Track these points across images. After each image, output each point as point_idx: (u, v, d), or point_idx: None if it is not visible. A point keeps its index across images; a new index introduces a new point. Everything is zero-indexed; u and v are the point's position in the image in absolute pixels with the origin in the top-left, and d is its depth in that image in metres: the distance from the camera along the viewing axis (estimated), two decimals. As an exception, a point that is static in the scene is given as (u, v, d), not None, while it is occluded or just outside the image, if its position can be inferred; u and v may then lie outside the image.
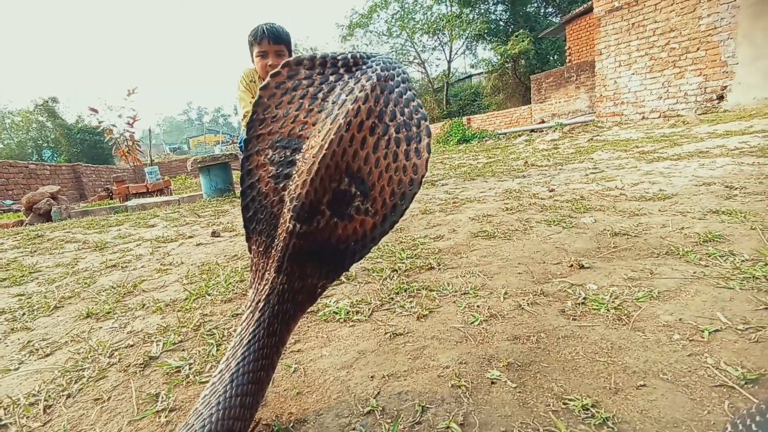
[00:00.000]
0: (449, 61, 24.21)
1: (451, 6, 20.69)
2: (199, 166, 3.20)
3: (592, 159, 2.95)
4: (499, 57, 17.66)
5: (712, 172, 1.63)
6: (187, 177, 15.04)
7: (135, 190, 6.29)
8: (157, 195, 6.15)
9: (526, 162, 3.19)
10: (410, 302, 0.66)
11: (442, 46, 23.84)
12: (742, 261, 0.71)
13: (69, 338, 0.68)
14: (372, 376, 0.44)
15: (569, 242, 0.92)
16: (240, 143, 2.80)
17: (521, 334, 0.53)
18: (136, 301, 0.83)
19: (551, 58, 18.23)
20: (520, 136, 11.36)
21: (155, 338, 0.62)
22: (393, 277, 0.80)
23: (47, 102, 24.11)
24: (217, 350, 0.55)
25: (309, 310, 0.66)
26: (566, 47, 14.83)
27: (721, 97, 6.61)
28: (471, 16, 20.11)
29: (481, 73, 24.46)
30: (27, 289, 1.07)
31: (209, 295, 0.81)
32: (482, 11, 19.80)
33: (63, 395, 0.49)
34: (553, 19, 20.13)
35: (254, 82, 2.95)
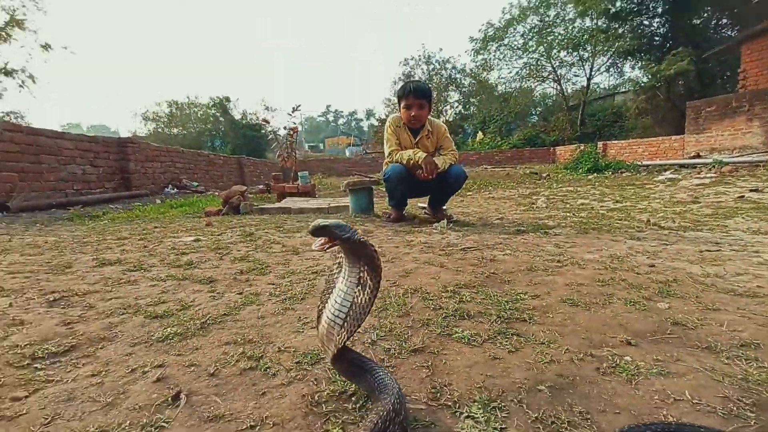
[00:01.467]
0: (589, 79, 22.58)
1: (597, 20, 19.28)
2: (350, 188, 4.03)
3: (725, 227, 2.91)
4: (649, 77, 15.96)
5: (830, 275, 1.69)
6: (323, 176, 17.03)
7: (289, 189, 7.66)
8: (305, 196, 7.39)
9: (648, 220, 3.24)
10: (505, 341, 1.14)
11: (582, 62, 22.38)
12: (756, 366, 1.01)
13: (321, 320, 1.33)
14: (481, 373, 0.95)
15: (632, 323, 1.28)
16: (385, 175, 3.50)
17: (566, 373, 0.97)
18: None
19: (718, 80, 15.73)
20: (665, 171, 10.35)
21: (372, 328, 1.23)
22: (497, 322, 1.29)
23: (222, 100, 29.32)
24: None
25: (447, 333, 1.19)
26: (740, 70, 12.78)
27: None
28: (620, 31, 18.43)
29: (627, 91, 22.21)
30: (272, 281, 1.82)
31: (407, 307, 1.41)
32: (634, 25, 17.99)
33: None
34: (727, 33, 17.26)
35: (399, 127, 3.65)
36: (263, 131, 27.35)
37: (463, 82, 27.14)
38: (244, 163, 15.20)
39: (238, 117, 29.32)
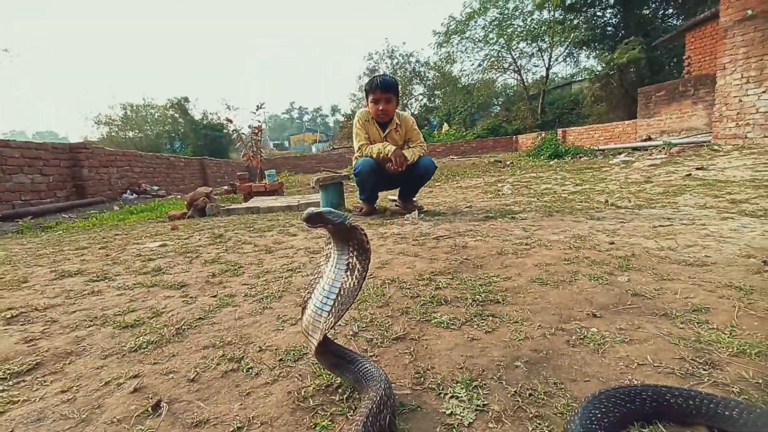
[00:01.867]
0: (548, 68, 23.31)
1: (554, 12, 19.92)
2: (321, 184, 4.00)
3: (675, 204, 3.11)
4: (603, 66, 16.67)
5: (766, 242, 1.85)
6: (289, 174, 16.74)
7: (256, 189, 7.49)
8: (273, 195, 7.26)
9: (606, 201, 3.42)
10: (482, 323, 1.19)
11: (540, 53, 23.06)
12: (707, 329, 1.10)
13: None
14: (461, 354, 0.99)
15: (597, 296, 1.36)
16: (355, 170, 3.50)
17: (539, 348, 1.03)
18: (325, 300, 1.48)
19: (667, 67, 16.66)
20: (619, 154, 10.84)
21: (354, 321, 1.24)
22: (473, 305, 1.33)
23: (180, 101, 28.19)
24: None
25: (426, 319, 1.22)
26: (685, 57, 13.56)
27: None
28: (575, 22, 19.13)
29: (583, 80, 23.10)
30: (246, 281, 1.80)
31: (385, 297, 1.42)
32: (588, 16, 18.73)
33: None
34: (673, 22, 18.25)
35: (368, 122, 3.65)
36: (226, 131, 26.55)
37: (427, 75, 27.37)
38: (206, 164, 14.71)
39: (198, 117, 28.27)
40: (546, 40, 21.18)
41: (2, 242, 3.83)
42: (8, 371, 1.06)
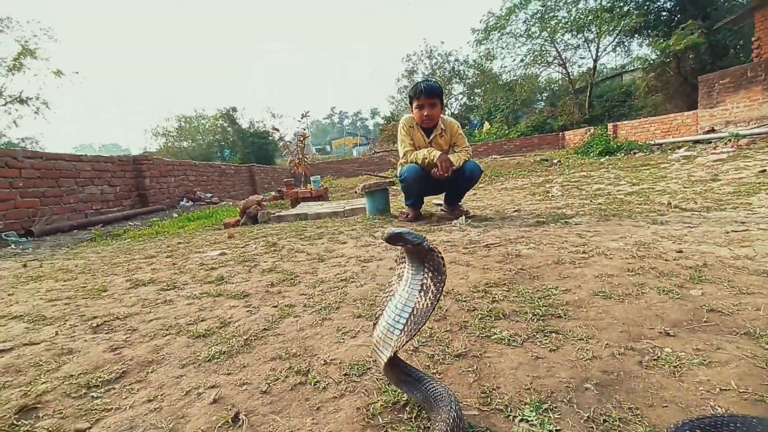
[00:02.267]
0: (595, 60, 22.23)
1: (601, 0, 18.90)
2: (367, 191, 4.07)
3: (749, 205, 2.87)
4: (658, 53, 15.63)
5: None
6: (332, 178, 17.11)
7: (302, 195, 7.73)
8: (318, 200, 7.46)
9: (669, 203, 3.21)
10: (545, 340, 1.16)
11: (587, 44, 22.04)
12: (799, 350, 1.01)
13: (359, 329, 1.37)
14: (527, 374, 0.98)
15: (668, 312, 1.29)
16: (401, 176, 3.53)
17: (610, 369, 0.99)
18: (381, 312, 1.51)
19: (731, 51, 15.32)
20: (679, 148, 10.17)
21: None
22: (533, 320, 1.30)
23: (229, 111, 29.63)
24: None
25: (486, 335, 1.21)
26: (754, 39, 12.44)
27: None
28: (625, 9, 18.06)
29: (635, 69, 21.78)
30: (303, 291, 1.87)
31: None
32: (640, 2, 17.62)
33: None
34: (738, 1, 16.78)
35: (412, 127, 3.67)
36: (271, 138, 27.58)
37: (466, 73, 26.94)
38: (255, 171, 15.37)
39: (245, 126, 29.62)
40: (593, 30, 20.17)
41: (79, 250, 4.22)
42: (100, 379, 1.17)
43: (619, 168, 7.39)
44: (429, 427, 0.80)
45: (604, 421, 0.80)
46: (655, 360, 1.02)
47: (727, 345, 1.07)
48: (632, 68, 21.88)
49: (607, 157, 10.32)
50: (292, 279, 2.07)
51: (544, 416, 0.82)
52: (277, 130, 8.07)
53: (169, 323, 1.58)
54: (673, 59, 14.72)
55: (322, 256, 2.56)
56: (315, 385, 1.02)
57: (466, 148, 3.69)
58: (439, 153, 3.41)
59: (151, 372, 1.19)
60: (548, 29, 21.19)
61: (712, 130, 10.98)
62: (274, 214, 5.17)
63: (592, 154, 10.99)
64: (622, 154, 10.24)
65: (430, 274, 0.84)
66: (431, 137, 3.63)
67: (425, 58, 27.44)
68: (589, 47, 21.52)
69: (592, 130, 13.23)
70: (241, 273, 2.28)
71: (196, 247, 3.35)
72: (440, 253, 0.83)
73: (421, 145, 3.63)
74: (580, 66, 23.37)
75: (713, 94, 11.28)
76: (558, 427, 0.78)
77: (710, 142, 9.43)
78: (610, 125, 14.78)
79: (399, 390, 0.93)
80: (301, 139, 7.97)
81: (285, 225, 4.45)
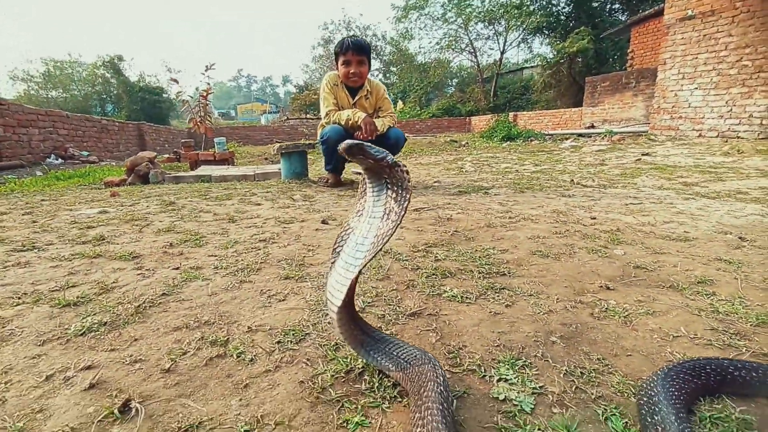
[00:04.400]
0: (502, 52, 23.72)
1: (513, -5, 20.10)
2: (282, 152, 3.71)
3: (635, 185, 3.22)
4: (555, 54, 17.22)
5: (735, 221, 1.93)
6: (238, 145, 15.84)
7: (203, 157, 6.93)
8: (223, 164, 6.76)
9: (572, 180, 3.49)
10: (497, 296, 1.09)
11: (496, 36, 23.36)
12: (718, 300, 1.08)
13: (288, 291, 1.15)
14: (491, 330, 0.88)
15: (602, 269, 1.31)
16: (322, 137, 3.27)
17: (567, 322, 0.94)
18: (314, 271, 1.31)
19: (611, 59, 17.56)
20: (566, 139, 11.29)
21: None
22: (480, 278, 1.23)
23: (113, 59, 25.46)
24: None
25: (437, 293, 1.10)
26: (629, 50, 14.32)
27: (789, 124, 6.49)
28: (531, 8, 19.48)
29: (534, 66, 23.83)
30: (212, 252, 1.57)
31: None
32: (544, 3, 19.16)
33: (309, 328, 0.95)
34: (619, 17, 19.18)
35: (336, 85, 3.40)
36: (166, 95, 24.30)
37: (384, 49, 26.78)
38: (145, 130, 13.40)
39: (134, 79, 25.60)
40: (502, 23, 21.45)
41: None
42: None
43: (520, 152, 8.00)
44: (396, 398, 0.65)
45: (582, 374, 0.73)
46: (604, 312, 1.00)
47: (661, 297, 1.10)
48: (532, 65, 23.90)
49: (509, 142, 11.16)
50: (197, 239, 1.74)
51: (522, 373, 0.72)
52: (176, 81, 7.01)
53: (23, 290, 1.17)
54: (567, 60, 16.37)
55: (233, 216, 2.23)
56: (238, 357, 0.80)
57: (392, 114, 3.55)
58: (363, 115, 3.20)
59: (-10, 353, 0.84)
60: (463, 16, 21.95)
61: (592, 126, 12.54)
62: (170, 174, 4.49)
63: (495, 139, 11.79)
64: (522, 141, 11.16)
65: (393, 195, 0.67)
66: (356, 98, 3.40)
67: (343, 28, 26.57)
68: (497, 39, 22.89)
69: (497, 117, 14.17)
70: (128, 233, 1.86)
71: (66, 205, 2.70)
72: (405, 166, 0.66)
73: (345, 106, 3.38)
74: (489, 56, 24.80)
75: (596, 94, 12.83)
76: (540, 384, 0.69)
77: (590, 136, 10.75)
78: (511, 114, 16.00)
79: (353, 354, 0.76)
80: (204, 94, 7.04)
81: (184, 186, 3.87)
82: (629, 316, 0.98)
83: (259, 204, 2.62)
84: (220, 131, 18.87)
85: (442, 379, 0.58)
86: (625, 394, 0.68)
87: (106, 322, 0.94)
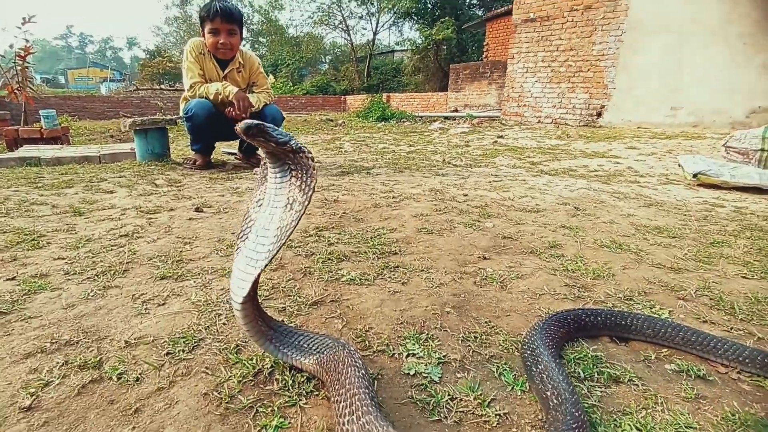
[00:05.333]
0: (375, 33, 24.17)
1: (383, -23, 20.51)
2: (136, 128, 3.18)
3: (495, 164, 3.68)
4: (423, 39, 18.25)
5: (570, 194, 2.37)
6: (71, 119, 13.12)
7: (26, 134, 5.59)
8: (55, 143, 5.55)
9: (444, 160, 3.81)
10: (393, 275, 1.14)
11: (369, 16, 23.66)
12: (566, 260, 1.32)
13: (168, 293, 1.02)
14: (393, 309, 0.92)
15: (478, 240, 1.48)
16: (187, 112, 2.92)
17: (456, 292, 1.04)
18: (196, 267, 1.17)
19: (470, 49, 19.41)
20: (434, 121, 12.19)
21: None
22: (374, 258, 1.27)
23: None
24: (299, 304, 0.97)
25: (335, 278, 1.10)
26: (485, 43, 15.94)
27: (599, 114, 8.11)
28: (401, -7, 20.13)
29: (405, 50, 24.92)
30: (58, 254, 1.29)
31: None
32: (413, -11, 19.97)
33: (194, 337, 0.87)
34: (477, 12, 21.15)
35: (203, 54, 3.06)
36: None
37: (252, 18, 24.78)
38: None
39: None
40: (375, 4, 21.77)
41: None
42: None
43: (395, 133, 8.40)
44: (312, 392, 0.64)
45: (475, 338, 0.82)
46: (484, 279, 1.14)
47: (525, 261, 1.30)
48: (403, 48, 24.98)
49: (384, 122, 11.60)
50: (34, 240, 1.40)
51: (427, 346, 0.78)
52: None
53: None
54: (433, 47, 17.55)
55: (78, 208, 1.85)
56: (119, 379, 0.68)
57: (268, 90, 3.32)
58: (236, 89, 2.91)
59: None
60: (335, -9, 21.58)
61: (456, 110, 13.83)
62: (-25, 156, 3.48)
63: (371, 119, 12.12)
64: (395, 122, 11.71)
65: (297, 183, 0.64)
66: (227, 71, 3.08)
67: (201, -13, 23.60)
68: (370, 20, 23.21)
69: (372, 98, 14.51)
70: None
71: None
72: (310, 152, 0.64)
73: (213, 78, 3.04)
74: (362, 35, 25.06)
75: (458, 81, 14.12)
76: (443, 353, 0.76)
77: (455, 119, 11.86)
78: (385, 95, 16.58)
79: (258, 353, 0.71)
80: (23, 54, 5.52)
81: (5, 171, 3.05)
82: (504, 281, 1.13)
83: (111, 192, 2.23)
84: (47, 101, 15.33)
85: (360, 362, 0.59)
86: (510, 350, 0.79)
87: None
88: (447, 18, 16.96)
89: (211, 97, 2.94)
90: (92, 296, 0.99)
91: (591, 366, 0.74)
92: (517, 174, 3.08)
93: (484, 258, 1.32)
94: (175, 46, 26.95)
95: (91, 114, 16.14)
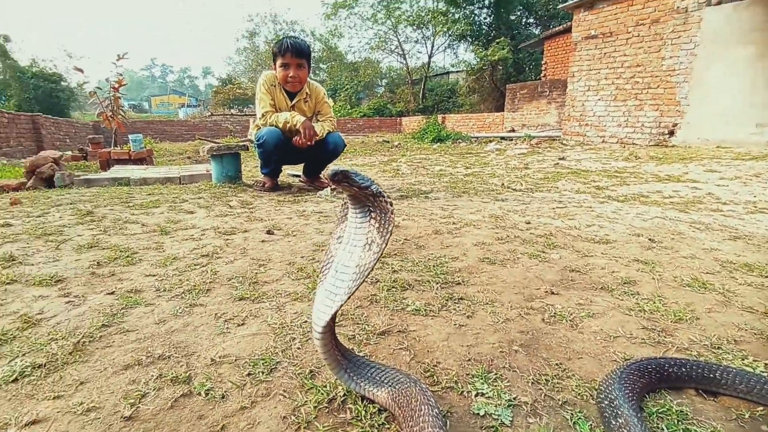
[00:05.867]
0: (430, 56, 24.56)
1: (438, 2, 20.96)
2: (213, 153, 3.49)
3: (557, 189, 3.55)
4: (478, 60, 18.23)
5: (643, 223, 2.22)
6: (153, 141, 14.56)
7: (117, 156, 6.31)
8: (141, 164, 6.20)
9: (503, 184, 3.74)
10: (458, 307, 1.14)
11: (424, 40, 24.15)
12: (642, 299, 1.24)
13: (246, 314, 1.10)
14: (460, 344, 0.92)
15: (544, 273, 1.44)
16: (258, 139, 3.15)
17: (524, 329, 1.02)
18: (270, 289, 1.25)
19: (527, 68, 19.06)
20: (490, 142, 12.01)
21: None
22: (438, 288, 1.27)
23: (-2, 39, 22.02)
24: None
25: (401, 307, 1.12)
26: (543, 62, 15.59)
27: (671, 133, 7.56)
28: (456, 16, 20.44)
29: (460, 71, 25.01)
30: (149, 271, 1.44)
31: (319, 290, 1.25)
32: (467, 13, 20.22)
33: (273, 358, 0.92)
34: (534, 30, 20.85)
35: (274, 86, 3.30)
36: (65, 84, 21.47)
37: (313, 46, 26.31)
38: (41, 122, 11.72)
39: (25, 63, 22.20)
40: (430, 28, 22.22)
41: None
42: None
43: (450, 154, 8.39)
44: (384, 424, 0.66)
45: (546, 381, 0.80)
46: (553, 316, 1.10)
47: (596, 298, 1.24)
48: (458, 69, 25.11)
49: (439, 143, 11.64)
50: (128, 256, 1.57)
51: (496, 386, 0.77)
52: (81, 70, 6.21)
53: None
54: (489, 67, 17.47)
55: (165, 228, 2.05)
56: (207, 395, 0.74)
57: (331, 119, 3.51)
58: (302, 119, 3.13)
59: None
60: (392, 18, 22.36)
61: (513, 130, 13.54)
62: (80, 176, 4.00)
63: (426, 140, 12.22)
64: (450, 143, 11.70)
65: (376, 225, 0.68)
66: (294, 101, 3.31)
67: (269, 21, 25.65)
68: (425, 43, 23.69)
69: (427, 119, 14.67)
70: (43, 250, 1.62)
71: (-53, 217, 2.28)
72: (389, 197, 0.67)
73: (283, 108, 3.28)
74: (417, 59, 25.58)
75: (515, 100, 13.87)
76: (513, 395, 0.74)
77: (512, 140, 11.61)
78: (440, 116, 16.68)
79: (330, 380, 0.75)
80: (116, 86, 6.34)
81: (99, 191, 3.47)
82: (574, 320, 1.08)
83: (192, 212, 2.44)
84: (134, 126, 17.22)
85: (433, 401, 0.60)
86: (584, 397, 0.76)
87: (41, 365, 0.82)
88: (502, 38, 16.86)
89: (281, 126, 3.16)
90: (180, 313, 1.09)
91: (675, 422, 0.69)
92: (582, 200, 2.94)
93: (552, 293, 1.27)
94: (244, 74, 29.22)
95: (171, 136, 17.88)
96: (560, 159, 6.11)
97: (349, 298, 0.65)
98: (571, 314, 1.11)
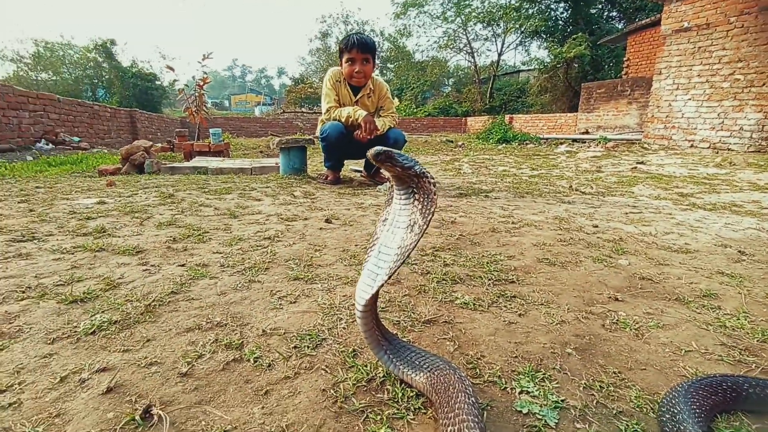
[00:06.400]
0: (499, 54, 23.80)
1: (511, -2, 20.19)
2: (282, 146, 3.68)
3: (633, 194, 3.26)
4: (552, 58, 17.31)
5: (733, 234, 1.97)
6: (231, 136, 15.67)
7: (198, 148, 6.86)
8: (218, 156, 6.69)
9: (571, 186, 3.52)
10: (509, 304, 1.09)
11: (494, 38, 23.44)
12: (723, 314, 1.10)
13: (299, 293, 1.15)
14: (508, 341, 0.88)
15: (609, 279, 1.33)
16: (322, 133, 3.25)
17: (580, 333, 0.95)
18: (323, 272, 1.30)
19: (606, 66, 17.71)
20: (561, 144, 11.37)
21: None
22: (490, 285, 1.23)
23: (106, 43, 25.02)
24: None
25: (449, 299, 1.10)
26: (625, 58, 14.46)
27: (776, 138, 6.62)
28: (530, 11, 19.58)
29: (531, 69, 23.93)
30: (217, 249, 1.55)
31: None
32: (542, 8, 19.26)
33: (327, 329, 0.95)
34: (616, 25, 19.37)
35: (339, 82, 3.38)
36: (159, 83, 23.94)
37: (381, 46, 26.70)
38: (137, 117, 13.19)
39: (126, 64, 25.12)
40: (501, 25, 21.51)
41: None
42: None
43: (516, 155, 8.05)
44: (420, 409, 0.65)
45: (600, 387, 0.74)
46: (615, 323, 1.02)
47: (668, 309, 1.12)
48: (529, 68, 24.04)
49: (505, 144, 11.23)
50: (200, 235, 1.71)
51: (543, 386, 0.73)
52: (172, 69, 6.89)
53: (27, 283, 1.14)
54: (563, 65, 16.50)
55: (234, 212, 2.20)
56: (255, 362, 0.79)
57: (393, 114, 3.54)
58: (364, 113, 3.18)
59: (1, 350, 0.82)
60: (462, 16, 21.95)
61: (587, 132, 12.66)
62: (166, 164, 4.43)
63: (491, 141, 11.86)
64: (517, 144, 11.24)
65: (419, 206, 0.67)
66: (358, 96, 3.38)
67: (341, 22, 26.45)
68: (495, 41, 22.97)
69: (493, 119, 14.24)
70: (129, 225, 1.83)
71: (62, 193, 2.65)
72: (433, 177, 0.66)
73: (347, 103, 3.36)
74: (486, 57, 24.92)
75: (591, 100, 12.95)
76: (561, 397, 0.70)
77: (585, 142, 10.86)
78: (507, 117, 16.08)
79: (372, 361, 0.75)
80: (201, 84, 6.94)
81: (181, 177, 3.82)
82: (640, 329, 0.99)
83: (259, 199, 2.60)
84: (215, 122, 18.70)
85: (471, 390, 0.58)
86: (644, 410, 0.69)
87: (116, 321, 0.93)
88: (580, 33, 15.80)
89: (343, 120, 3.25)
90: (240, 287, 1.17)
91: (754, 450, 0.60)
92: (662, 206, 2.67)
93: (616, 299, 1.17)
94: (315, 74, 30.45)
95: (247, 132, 19.17)
96: (638, 163, 5.61)
97: (389, 278, 0.65)
98: (637, 323, 1.02)
